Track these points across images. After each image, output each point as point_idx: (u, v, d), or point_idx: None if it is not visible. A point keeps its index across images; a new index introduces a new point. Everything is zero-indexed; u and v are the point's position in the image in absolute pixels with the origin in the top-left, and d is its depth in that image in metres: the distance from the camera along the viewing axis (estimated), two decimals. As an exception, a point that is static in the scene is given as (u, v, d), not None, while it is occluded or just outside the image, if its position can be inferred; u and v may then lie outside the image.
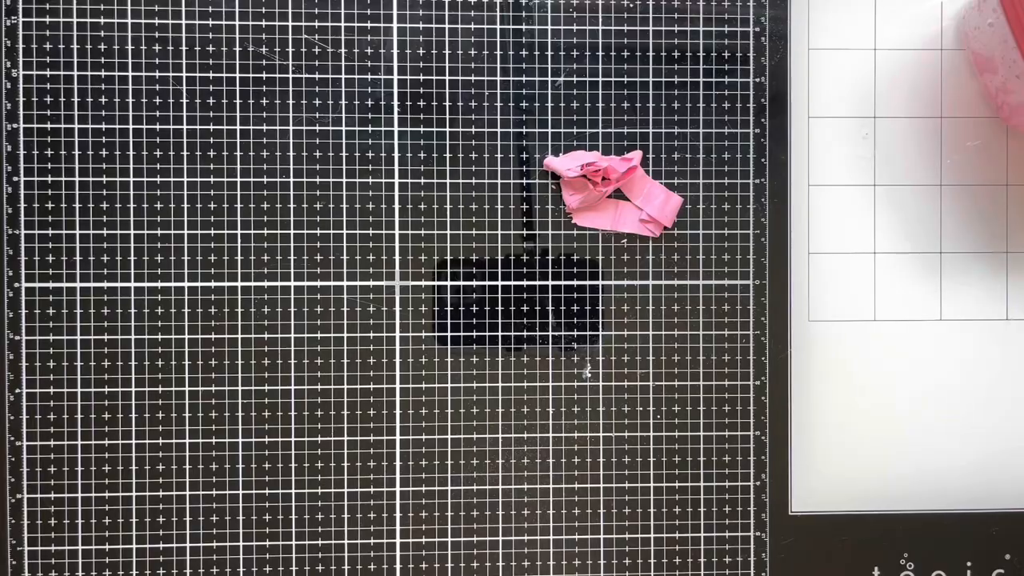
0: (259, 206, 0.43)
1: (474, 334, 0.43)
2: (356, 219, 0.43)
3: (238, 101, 0.42)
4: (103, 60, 0.42)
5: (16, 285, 0.42)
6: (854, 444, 0.44)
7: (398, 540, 0.43)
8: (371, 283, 0.43)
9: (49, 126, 0.42)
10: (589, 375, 0.43)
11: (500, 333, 0.43)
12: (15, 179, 0.42)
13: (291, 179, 0.43)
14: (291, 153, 0.43)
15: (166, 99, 0.42)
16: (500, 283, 0.43)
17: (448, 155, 0.43)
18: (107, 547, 0.42)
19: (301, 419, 0.43)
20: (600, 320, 0.43)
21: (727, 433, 0.44)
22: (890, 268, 0.45)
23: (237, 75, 0.42)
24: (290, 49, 0.43)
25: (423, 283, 0.43)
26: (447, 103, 0.43)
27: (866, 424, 0.45)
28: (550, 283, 0.43)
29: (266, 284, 0.43)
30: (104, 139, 0.42)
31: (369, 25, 0.43)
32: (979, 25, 0.43)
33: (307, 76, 0.43)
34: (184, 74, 0.42)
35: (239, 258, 0.43)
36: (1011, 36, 0.38)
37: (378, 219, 0.43)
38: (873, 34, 0.45)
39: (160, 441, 0.42)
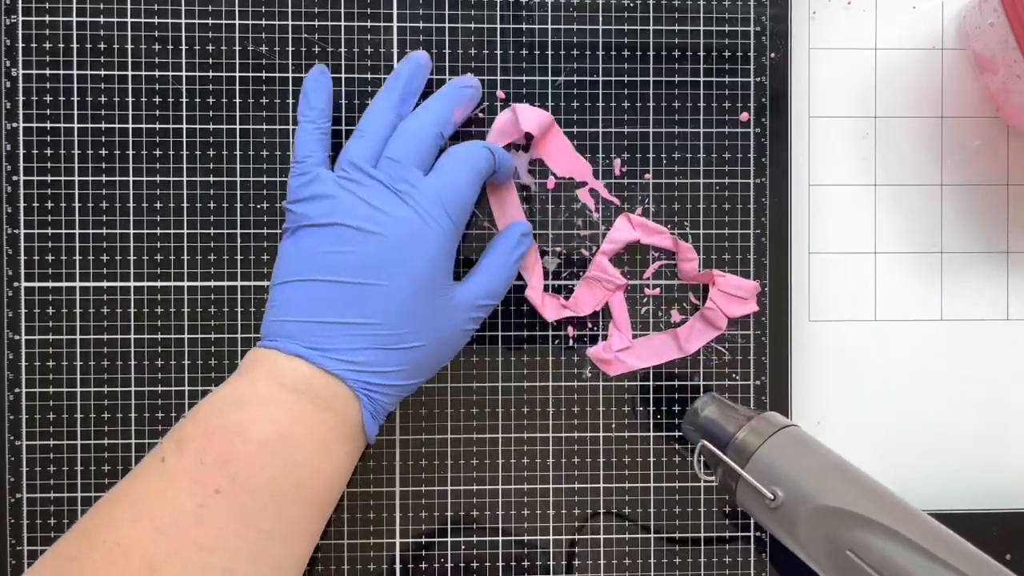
0: (259, 206, 0.43)
1: (474, 334, 0.43)
2: (356, 219, 0.43)
3: (238, 101, 0.42)
4: (103, 60, 0.42)
5: (16, 285, 0.42)
6: (854, 444, 0.44)
7: (398, 540, 0.43)
8: (371, 283, 0.43)
9: (49, 126, 0.42)
10: (589, 375, 0.43)
11: (500, 333, 0.43)
12: (15, 179, 0.42)
13: (291, 179, 0.43)
14: (291, 153, 0.43)
15: (166, 99, 0.42)
16: (500, 283, 0.43)
17: (448, 155, 0.43)
18: (107, 547, 0.42)
19: (301, 419, 0.43)
20: (600, 320, 0.43)
21: (727, 433, 0.44)
22: (891, 268, 0.45)
23: (237, 75, 0.42)
24: (290, 49, 0.42)
25: (423, 283, 0.43)
26: (447, 103, 0.43)
27: (866, 424, 0.45)
28: (551, 283, 0.43)
29: (266, 284, 0.43)
30: (104, 139, 0.42)
31: (369, 25, 0.43)
32: (980, 25, 0.42)
33: (307, 76, 0.42)
34: (184, 74, 0.42)
35: (239, 258, 0.43)
36: (1012, 36, 0.38)
37: (378, 219, 0.43)
38: (874, 34, 0.45)
39: (160, 441, 0.42)
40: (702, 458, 0.40)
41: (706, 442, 0.39)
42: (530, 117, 0.42)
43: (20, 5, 0.42)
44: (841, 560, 0.34)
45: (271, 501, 0.34)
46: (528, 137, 0.43)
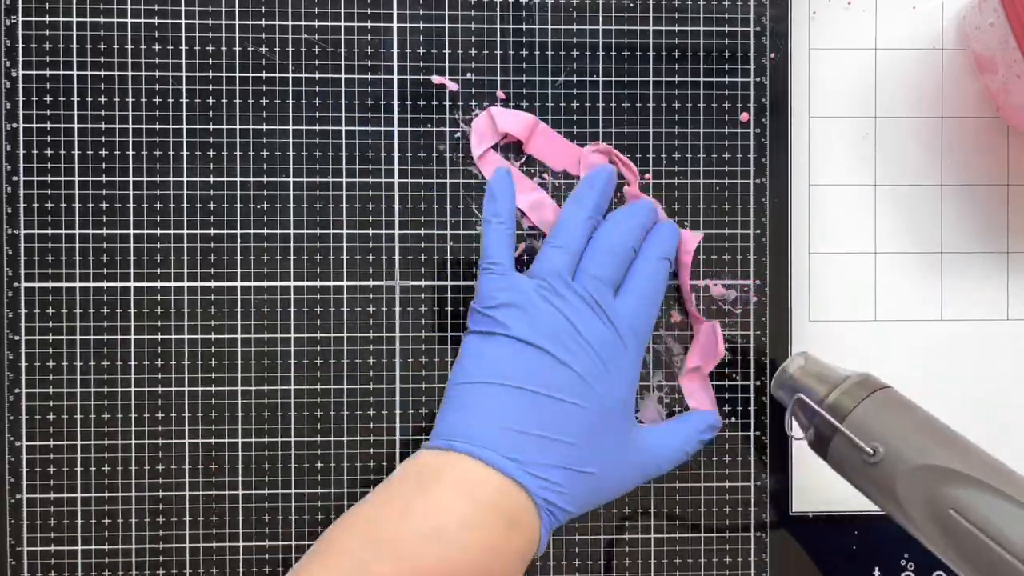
0: (259, 206, 0.43)
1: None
2: (356, 219, 0.43)
3: (238, 101, 0.42)
4: (103, 60, 0.42)
5: (16, 285, 0.42)
6: (854, 444, 0.44)
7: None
8: (371, 283, 0.43)
9: (49, 126, 0.42)
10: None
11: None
12: (15, 179, 0.42)
13: (291, 179, 0.43)
14: (291, 153, 0.43)
15: (166, 99, 0.42)
16: (500, 283, 0.43)
17: (448, 155, 0.43)
18: (107, 547, 0.42)
19: (301, 419, 0.43)
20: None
21: (727, 433, 0.44)
22: (890, 268, 0.45)
23: (237, 75, 0.42)
24: (290, 49, 0.42)
25: (423, 283, 0.43)
26: (447, 103, 0.43)
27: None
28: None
29: (266, 284, 0.43)
30: (104, 139, 0.42)
31: (369, 25, 0.43)
32: (980, 25, 0.42)
33: (307, 76, 0.42)
34: (184, 74, 0.42)
35: (239, 258, 0.43)
36: (1012, 36, 0.38)
37: (378, 219, 0.43)
38: (874, 34, 0.45)
39: (160, 441, 0.42)
40: (793, 417, 0.38)
41: (802, 395, 0.37)
42: (507, 119, 0.42)
43: (20, 5, 0.42)
44: (944, 519, 0.33)
45: None
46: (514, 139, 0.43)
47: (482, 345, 0.37)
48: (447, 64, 0.43)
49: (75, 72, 0.42)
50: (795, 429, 0.39)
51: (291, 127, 0.43)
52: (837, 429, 0.36)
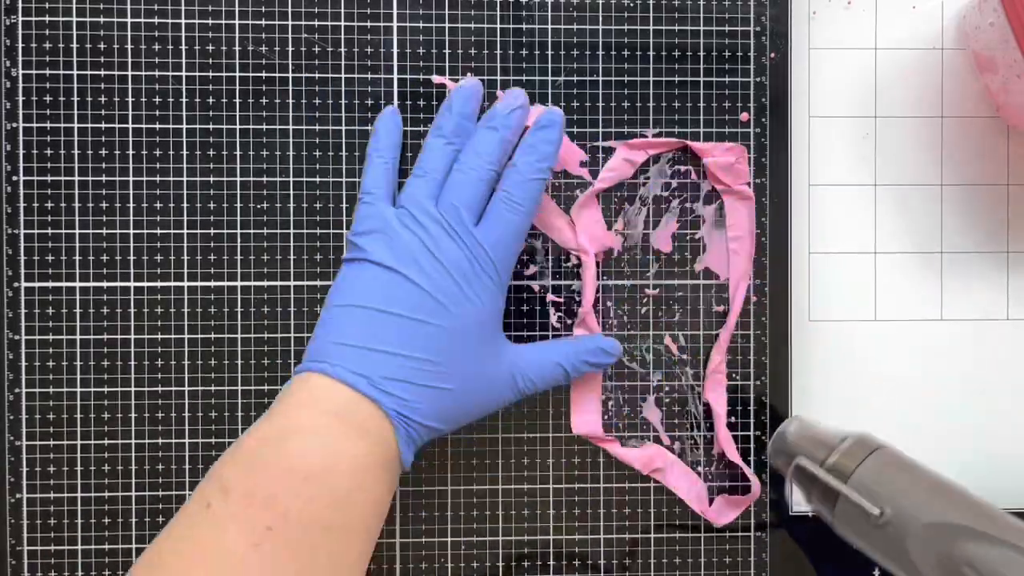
0: (259, 206, 0.43)
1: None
2: (356, 219, 0.43)
3: (238, 101, 0.42)
4: (103, 60, 0.42)
5: (16, 285, 0.42)
6: (854, 444, 0.44)
7: (398, 540, 0.43)
8: (371, 283, 0.43)
9: (49, 126, 0.42)
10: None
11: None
12: (15, 179, 0.42)
13: (291, 179, 0.43)
14: (291, 153, 0.43)
15: (166, 99, 0.42)
16: (500, 283, 0.43)
17: (448, 155, 0.43)
18: (107, 547, 0.42)
19: (301, 419, 0.43)
20: (600, 320, 0.43)
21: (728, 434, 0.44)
22: (891, 268, 0.45)
23: (237, 75, 0.42)
24: (290, 49, 0.43)
25: (423, 283, 0.43)
26: (447, 103, 0.43)
27: (865, 424, 0.45)
28: (550, 283, 0.43)
29: (266, 284, 0.43)
30: (104, 139, 0.42)
31: (369, 25, 0.43)
32: (980, 25, 0.42)
33: (307, 76, 0.42)
34: (184, 74, 0.42)
35: (239, 258, 0.43)
36: (1012, 36, 0.38)
37: (378, 219, 0.43)
38: (874, 33, 0.45)
39: (160, 441, 0.42)
40: (794, 483, 0.38)
41: (803, 458, 0.36)
42: None
43: (20, 5, 0.42)
44: None
45: (323, 533, 0.34)
46: None
47: (347, 271, 0.38)
48: (447, 64, 0.43)
49: (75, 72, 0.42)
50: (797, 495, 0.38)
51: (291, 127, 0.43)
52: (840, 492, 0.35)
